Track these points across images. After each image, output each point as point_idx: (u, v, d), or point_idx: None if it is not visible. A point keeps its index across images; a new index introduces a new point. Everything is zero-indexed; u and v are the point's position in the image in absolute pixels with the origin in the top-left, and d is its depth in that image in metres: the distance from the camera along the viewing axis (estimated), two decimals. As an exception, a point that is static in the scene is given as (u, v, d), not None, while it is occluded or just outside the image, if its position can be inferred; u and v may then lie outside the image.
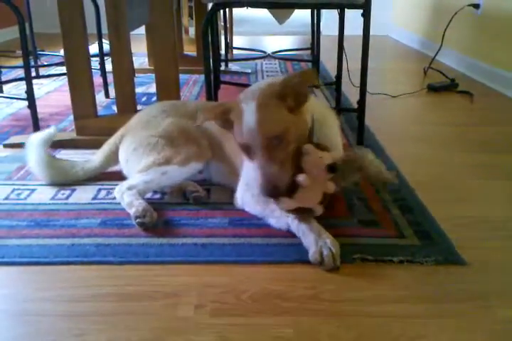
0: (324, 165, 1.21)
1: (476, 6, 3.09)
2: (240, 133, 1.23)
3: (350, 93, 2.56)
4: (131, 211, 1.34)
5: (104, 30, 1.99)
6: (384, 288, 1.10)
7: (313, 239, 1.17)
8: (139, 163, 1.47)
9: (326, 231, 1.20)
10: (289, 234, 1.26)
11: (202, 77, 2.70)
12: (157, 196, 1.52)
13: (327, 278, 1.13)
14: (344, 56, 2.46)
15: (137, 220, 1.31)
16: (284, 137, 1.19)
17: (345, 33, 2.47)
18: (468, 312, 1.03)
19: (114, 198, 1.44)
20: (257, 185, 1.21)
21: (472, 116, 2.38)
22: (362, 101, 1.94)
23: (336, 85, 2.58)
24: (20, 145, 1.84)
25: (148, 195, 1.50)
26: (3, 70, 2.77)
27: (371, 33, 1.86)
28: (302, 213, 1.24)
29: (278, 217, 1.28)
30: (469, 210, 1.46)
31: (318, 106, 1.38)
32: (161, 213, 1.39)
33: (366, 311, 1.03)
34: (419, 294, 1.08)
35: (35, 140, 1.57)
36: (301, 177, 1.20)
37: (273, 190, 1.19)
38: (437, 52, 3.25)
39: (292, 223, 1.24)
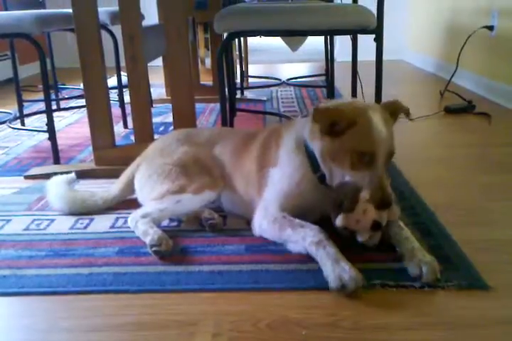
0: (371, 220, 1.24)
1: (490, 28, 3.09)
2: (364, 139, 1.25)
3: (366, 117, 2.56)
4: (147, 239, 1.34)
5: (123, 62, 2.04)
6: (405, 314, 1.07)
7: (330, 266, 1.15)
8: (153, 191, 1.49)
9: (345, 257, 1.18)
10: (307, 259, 1.25)
11: (218, 105, 2.74)
12: (173, 223, 1.52)
13: (346, 304, 1.11)
14: (358, 81, 2.48)
15: (153, 249, 1.31)
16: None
17: (360, 58, 2.49)
18: (495, 339, 0.99)
19: (131, 226, 1.45)
20: (366, 192, 1.24)
21: (491, 137, 2.35)
22: (377, 125, 1.93)
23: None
24: (40, 177, 1.88)
25: (165, 223, 1.50)
26: (25, 104, 2.86)
27: (385, 58, 1.87)
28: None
29: (295, 241, 1.28)
30: (491, 233, 1.42)
31: None
32: (177, 241, 1.39)
33: (388, 339, 1.00)
34: (442, 320, 1.05)
35: (55, 181, 1.63)
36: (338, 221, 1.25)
37: (386, 199, 1.23)
38: (453, 75, 3.24)
39: (310, 248, 1.23)
